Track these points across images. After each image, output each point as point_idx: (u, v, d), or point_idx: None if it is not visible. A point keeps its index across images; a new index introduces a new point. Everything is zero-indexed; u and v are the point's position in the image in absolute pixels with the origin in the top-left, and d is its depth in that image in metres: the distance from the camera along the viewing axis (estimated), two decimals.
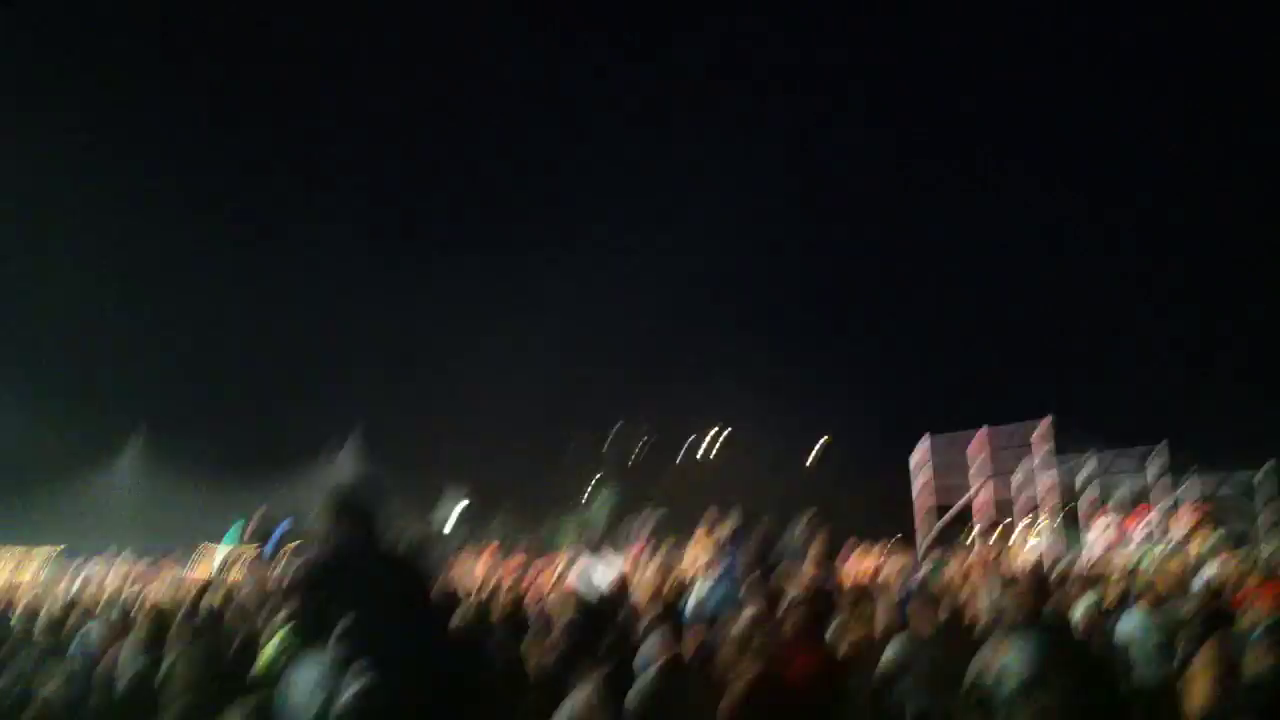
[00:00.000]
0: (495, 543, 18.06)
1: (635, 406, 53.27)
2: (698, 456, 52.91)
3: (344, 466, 36.64)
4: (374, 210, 59.50)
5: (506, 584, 10.99)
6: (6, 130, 36.39)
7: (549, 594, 10.02)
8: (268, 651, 6.23)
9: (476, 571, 13.96)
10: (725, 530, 10.05)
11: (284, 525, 5.62)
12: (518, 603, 8.81)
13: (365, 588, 4.48)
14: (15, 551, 27.65)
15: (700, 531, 11.17)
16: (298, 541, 5.11)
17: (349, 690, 4.31)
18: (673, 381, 48.32)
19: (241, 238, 51.18)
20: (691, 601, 9.02)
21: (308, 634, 4.83)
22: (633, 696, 5.81)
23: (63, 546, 29.12)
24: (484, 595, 9.33)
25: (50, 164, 37.50)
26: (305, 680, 4.73)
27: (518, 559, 15.60)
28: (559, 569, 12.87)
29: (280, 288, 47.18)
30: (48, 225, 41.18)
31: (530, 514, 40.86)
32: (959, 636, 6.84)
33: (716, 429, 53.30)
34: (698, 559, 10.80)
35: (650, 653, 6.38)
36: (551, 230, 44.81)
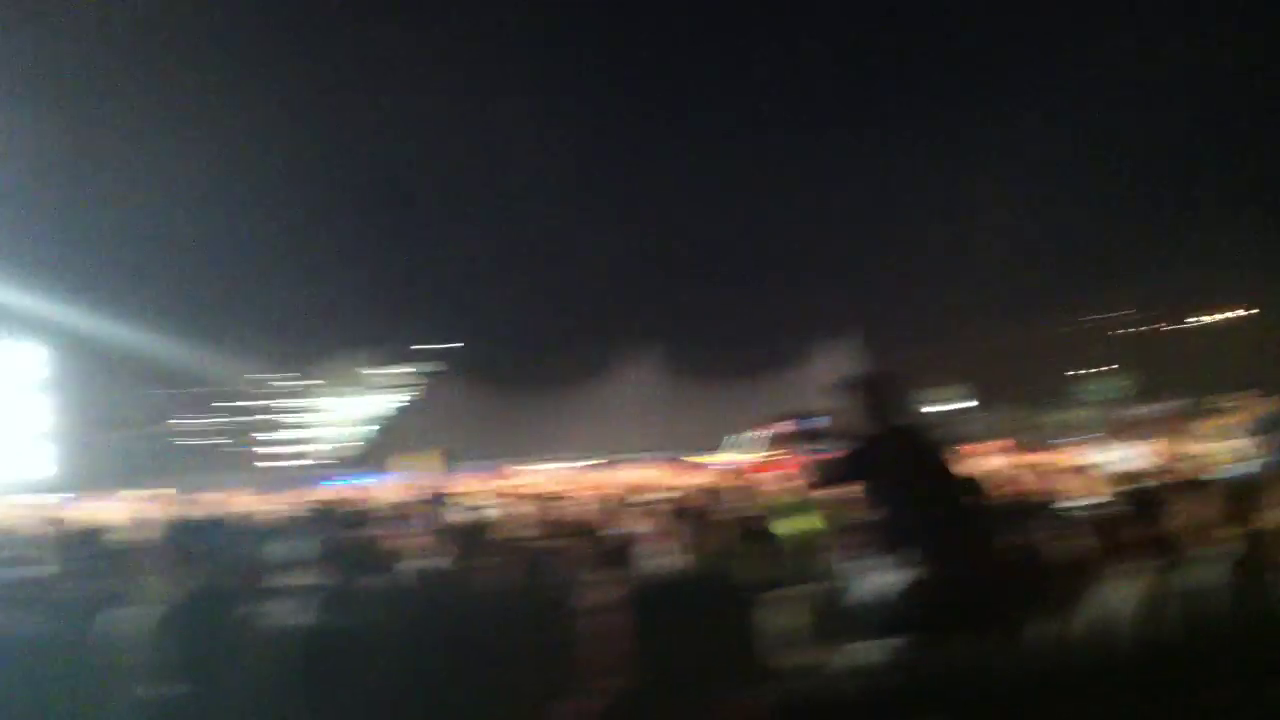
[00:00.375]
0: (1007, 436, 18.02)
1: (1139, 289, 49.91)
2: (1208, 336, 48.63)
3: (848, 363, 37.57)
4: (812, 107, 60.12)
5: (1019, 475, 11.04)
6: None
7: (1069, 484, 9.99)
8: (804, 542, 6.16)
9: (986, 464, 13.99)
10: (1256, 410, 9.58)
11: (814, 420, 6.01)
12: (1036, 493, 8.90)
13: (902, 477, 4.51)
14: (548, 462, 31.15)
15: (1226, 412, 10.68)
16: (828, 436, 5.51)
17: (902, 580, 4.28)
18: (1175, 263, 44.49)
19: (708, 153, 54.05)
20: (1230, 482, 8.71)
21: (850, 524, 4.96)
22: (1186, 585, 5.63)
23: (601, 453, 32.70)
24: (997, 486, 9.42)
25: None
26: (852, 570, 4.81)
27: (1030, 450, 15.53)
28: (1075, 458, 12.72)
29: (755, 190, 49.34)
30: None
31: (1037, 405, 39.88)
32: None
33: (1227, 307, 48.63)
34: (1224, 441, 10.33)
35: (1193, 538, 6.22)
36: (1022, 117, 42.21)
